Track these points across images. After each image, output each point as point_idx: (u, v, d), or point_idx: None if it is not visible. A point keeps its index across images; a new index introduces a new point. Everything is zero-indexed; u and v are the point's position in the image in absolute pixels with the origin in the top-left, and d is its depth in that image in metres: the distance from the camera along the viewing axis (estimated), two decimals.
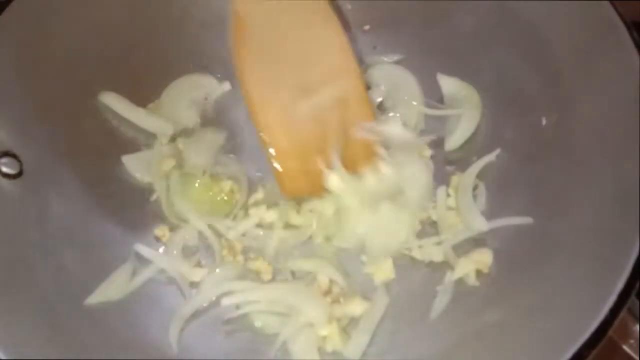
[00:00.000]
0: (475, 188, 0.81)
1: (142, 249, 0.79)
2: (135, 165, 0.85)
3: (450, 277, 0.75)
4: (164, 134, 0.86)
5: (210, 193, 0.84)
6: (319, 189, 0.76)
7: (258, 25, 0.77)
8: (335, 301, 0.76)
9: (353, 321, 0.74)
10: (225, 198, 0.84)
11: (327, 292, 0.76)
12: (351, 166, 0.75)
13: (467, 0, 0.84)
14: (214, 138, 0.88)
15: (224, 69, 0.90)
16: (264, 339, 0.74)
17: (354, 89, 0.77)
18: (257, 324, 0.75)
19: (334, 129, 0.75)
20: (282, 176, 0.76)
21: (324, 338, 0.73)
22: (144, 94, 0.88)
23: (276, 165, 0.75)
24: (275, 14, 0.77)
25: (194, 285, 0.78)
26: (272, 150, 0.75)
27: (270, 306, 0.75)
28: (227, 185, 0.84)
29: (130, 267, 0.78)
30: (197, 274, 0.79)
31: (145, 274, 0.78)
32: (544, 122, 0.78)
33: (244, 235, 0.81)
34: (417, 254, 0.78)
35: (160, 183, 0.83)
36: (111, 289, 0.76)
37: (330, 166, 0.75)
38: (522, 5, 0.79)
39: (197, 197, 0.83)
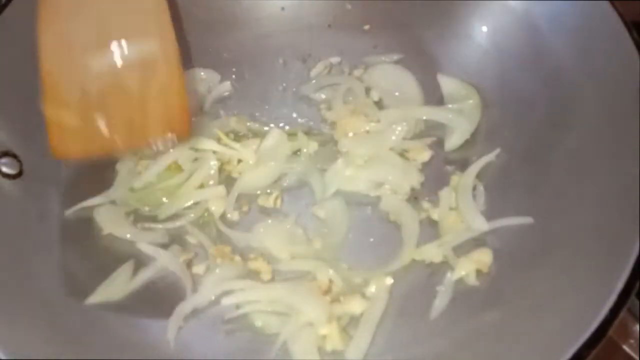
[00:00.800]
0: (474, 188, 0.81)
1: (146, 247, 0.79)
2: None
3: (450, 277, 0.75)
4: None
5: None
6: (93, 151, 0.73)
7: None
8: (335, 300, 0.75)
9: (353, 320, 0.74)
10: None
11: (327, 292, 0.76)
12: (140, 134, 0.73)
13: (467, 0, 0.84)
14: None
15: (224, 68, 0.90)
16: (264, 339, 0.74)
17: (162, 53, 0.72)
18: (257, 323, 0.75)
19: (128, 92, 0.71)
20: (53, 132, 0.72)
21: (324, 337, 0.73)
22: None
23: (49, 119, 0.71)
24: None
25: (196, 282, 0.78)
26: (47, 104, 0.71)
27: (270, 306, 0.75)
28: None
29: (131, 267, 0.78)
30: (199, 270, 0.79)
31: (146, 274, 0.78)
32: (543, 122, 0.78)
33: None
34: (417, 255, 0.78)
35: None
36: (111, 289, 0.76)
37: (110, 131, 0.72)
38: (522, 5, 0.79)
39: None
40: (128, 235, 0.80)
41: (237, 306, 0.75)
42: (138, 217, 0.82)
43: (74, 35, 0.71)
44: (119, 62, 0.70)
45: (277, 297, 0.75)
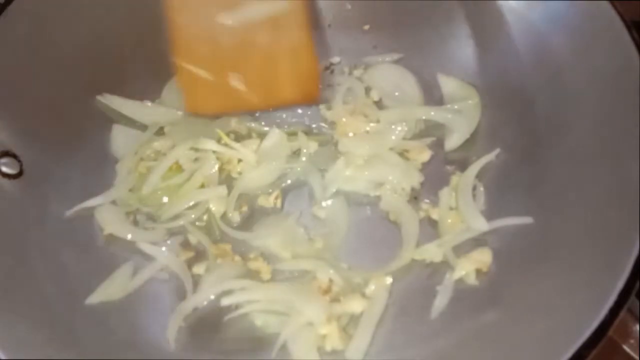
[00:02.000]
0: (474, 188, 0.81)
1: (146, 246, 0.79)
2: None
3: (450, 277, 0.75)
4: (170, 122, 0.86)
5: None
6: (227, 106, 0.74)
7: None
8: (335, 300, 0.75)
9: (353, 320, 0.74)
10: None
11: (327, 291, 0.76)
12: (273, 94, 0.74)
13: (467, 0, 0.84)
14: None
15: None
16: (264, 339, 0.74)
17: (292, 13, 0.73)
18: (257, 323, 0.75)
19: (259, 49, 0.72)
20: (187, 88, 0.73)
21: (324, 337, 0.73)
22: (144, 92, 0.88)
23: (182, 75, 0.72)
24: None
25: (196, 282, 0.78)
26: (179, 59, 0.72)
27: (270, 305, 0.75)
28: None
29: (131, 266, 0.78)
30: (199, 269, 0.79)
31: (146, 273, 0.78)
32: (543, 122, 0.78)
33: None
34: (417, 254, 0.78)
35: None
36: (112, 289, 0.76)
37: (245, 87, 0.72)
38: (522, 5, 0.79)
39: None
40: (129, 236, 0.80)
41: (237, 306, 0.75)
42: (139, 217, 0.82)
43: None
44: (249, 18, 0.71)
45: (277, 297, 0.75)
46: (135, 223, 0.82)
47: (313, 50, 0.75)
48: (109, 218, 0.81)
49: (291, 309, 0.74)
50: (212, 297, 0.76)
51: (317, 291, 0.76)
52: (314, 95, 0.78)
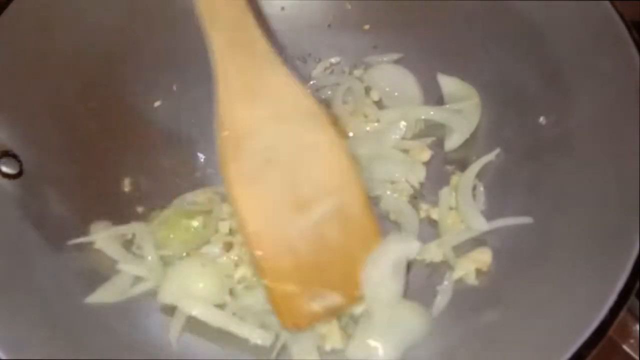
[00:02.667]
0: (474, 188, 0.80)
1: (127, 267, 0.77)
2: None
3: (450, 277, 0.75)
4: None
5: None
6: (322, 316, 0.71)
7: (247, 136, 0.69)
8: None
9: (353, 320, 0.74)
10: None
11: None
12: (355, 285, 0.71)
13: (467, 0, 0.84)
14: None
15: None
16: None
17: (355, 202, 0.71)
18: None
19: (332, 247, 0.70)
20: (281, 306, 0.70)
21: (324, 337, 0.73)
22: (145, 94, 0.88)
23: (272, 294, 0.70)
24: (266, 123, 0.70)
25: None
26: (268, 281, 0.69)
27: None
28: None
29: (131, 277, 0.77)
30: None
31: (145, 286, 0.77)
32: (543, 121, 0.78)
33: None
34: (416, 255, 0.78)
35: None
36: (112, 290, 0.75)
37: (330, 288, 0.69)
38: (522, 5, 0.79)
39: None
40: (115, 257, 0.78)
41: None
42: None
43: (271, 195, 0.69)
44: (319, 217, 0.69)
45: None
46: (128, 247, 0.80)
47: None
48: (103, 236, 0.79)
49: None
50: None
51: None
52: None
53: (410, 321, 0.71)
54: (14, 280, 0.69)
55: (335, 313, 0.72)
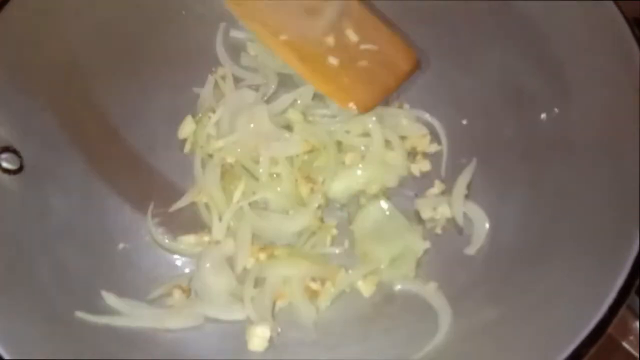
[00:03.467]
0: (471, 188, 0.81)
1: (111, 299, 0.75)
2: None
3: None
4: None
5: None
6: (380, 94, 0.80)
7: None
8: None
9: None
10: None
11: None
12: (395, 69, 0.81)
13: (466, 0, 0.84)
14: None
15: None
16: None
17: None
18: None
19: (347, 43, 0.80)
20: (340, 94, 0.79)
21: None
22: (145, 91, 0.88)
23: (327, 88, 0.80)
24: None
25: None
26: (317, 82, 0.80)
27: None
28: None
29: None
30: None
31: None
32: (544, 119, 0.78)
33: None
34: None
35: None
36: None
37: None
38: (523, 3, 0.79)
39: None
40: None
41: None
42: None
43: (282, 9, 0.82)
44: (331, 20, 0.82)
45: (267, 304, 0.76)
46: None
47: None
48: None
49: None
50: None
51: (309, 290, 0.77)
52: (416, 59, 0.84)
53: None
54: (14, 277, 0.68)
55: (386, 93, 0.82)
